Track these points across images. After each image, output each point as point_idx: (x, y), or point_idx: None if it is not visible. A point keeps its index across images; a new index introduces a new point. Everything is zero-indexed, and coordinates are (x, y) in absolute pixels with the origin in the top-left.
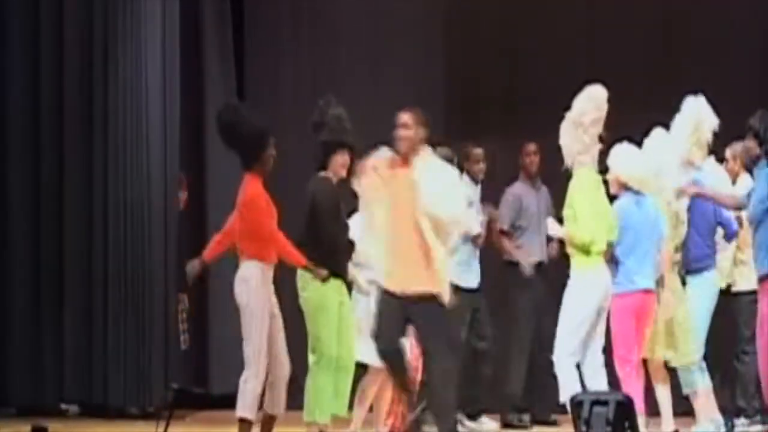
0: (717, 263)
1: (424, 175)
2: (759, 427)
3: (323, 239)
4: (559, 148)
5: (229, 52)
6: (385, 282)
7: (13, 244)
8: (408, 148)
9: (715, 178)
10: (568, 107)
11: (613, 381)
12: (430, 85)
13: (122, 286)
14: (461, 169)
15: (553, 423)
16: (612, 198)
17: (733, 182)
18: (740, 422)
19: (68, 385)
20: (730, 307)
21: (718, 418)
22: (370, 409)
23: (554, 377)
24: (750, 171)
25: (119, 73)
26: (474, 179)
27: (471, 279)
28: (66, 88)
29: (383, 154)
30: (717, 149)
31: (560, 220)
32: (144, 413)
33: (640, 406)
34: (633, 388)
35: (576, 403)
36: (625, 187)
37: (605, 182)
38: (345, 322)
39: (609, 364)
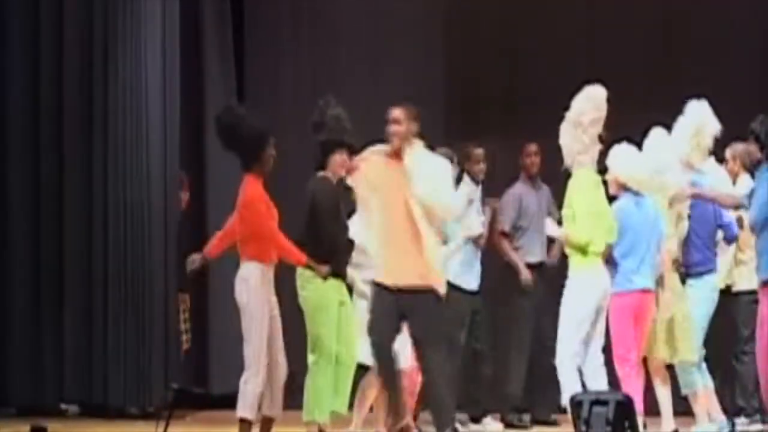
0: (717, 266)
1: (416, 165)
2: (759, 426)
3: (323, 239)
4: (559, 148)
5: (229, 52)
6: (379, 275)
7: (13, 244)
8: (400, 142)
9: (715, 178)
10: (568, 107)
11: (613, 381)
12: (430, 85)
13: (122, 286)
14: (462, 169)
15: (553, 423)
16: (611, 198)
17: (733, 182)
18: (740, 421)
19: (68, 385)
20: (730, 307)
21: (721, 418)
22: (371, 409)
23: (554, 377)
24: (751, 173)
25: (119, 73)
26: (474, 180)
27: (472, 280)
28: (66, 88)
29: (376, 149)
30: (717, 150)
31: (560, 221)
32: (144, 413)
33: (639, 405)
34: (632, 387)
35: (576, 402)
36: (625, 188)
37: (605, 182)
38: (345, 322)
39: (609, 364)
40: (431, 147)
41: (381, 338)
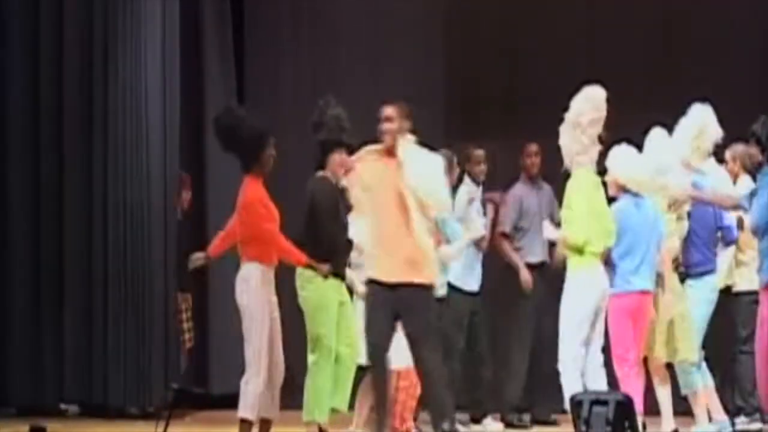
0: (717, 267)
1: (409, 160)
2: (759, 424)
3: (323, 239)
4: (559, 149)
5: (229, 52)
6: (373, 272)
7: (13, 244)
8: (393, 140)
9: (715, 178)
10: (567, 108)
11: (613, 381)
12: (430, 85)
13: (122, 286)
14: (462, 170)
15: (553, 423)
16: (611, 200)
17: (734, 183)
18: (740, 420)
19: (68, 385)
20: (730, 308)
21: (722, 418)
22: (371, 410)
23: (554, 378)
24: (752, 174)
25: (119, 73)
26: (475, 180)
27: (472, 282)
28: (66, 88)
29: (371, 148)
30: (717, 150)
31: (560, 223)
32: (144, 413)
33: (638, 406)
34: (631, 387)
35: (576, 402)
36: (624, 189)
37: (605, 184)
38: (345, 322)
39: (608, 364)
40: (432, 147)
41: (377, 339)
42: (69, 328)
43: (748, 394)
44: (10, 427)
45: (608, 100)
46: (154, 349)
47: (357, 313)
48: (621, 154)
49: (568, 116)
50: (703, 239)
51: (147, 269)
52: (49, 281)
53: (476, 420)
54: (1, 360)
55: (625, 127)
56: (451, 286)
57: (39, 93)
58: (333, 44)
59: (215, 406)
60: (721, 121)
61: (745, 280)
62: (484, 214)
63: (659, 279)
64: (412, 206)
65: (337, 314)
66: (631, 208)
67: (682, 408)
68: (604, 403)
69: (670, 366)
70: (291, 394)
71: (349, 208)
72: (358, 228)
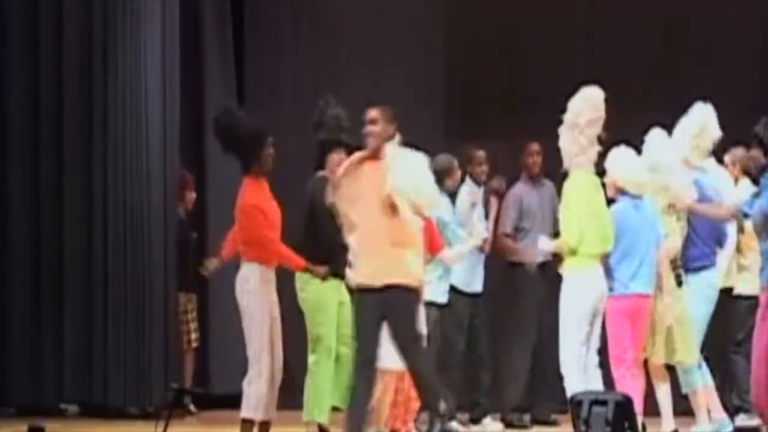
0: (717, 264)
1: (394, 162)
2: (758, 421)
3: (322, 238)
4: (559, 149)
5: (229, 52)
6: (359, 277)
7: (13, 244)
8: (377, 143)
9: (716, 176)
10: (567, 108)
11: (607, 382)
12: (430, 85)
13: (122, 286)
14: (464, 171)
15: (553, 423)
16: (610, 201)
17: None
18: (740, 418)
19: (68, 385)
20: (729, 308)
21: (721, 416)
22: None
23: (554, 377)
24: (753, 178)
25: (119, 73)
26: (476, 181)
27: (475, 284)
28: (66, 88)
29: (354, 156)
30: (717, 150)
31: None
32: (144, 413)
33: (637, 406)
34: (627, 387)
35: (575, 402)
36: (623, 191)
37: (604, 185)
38: (345, 322)
39: (605, 365)
40: (422, 149)
41: (366, 350)
42: (69, 328)
43: (745, 392)
44: (9, 427)
45: (607, 101)
46: (154, 349)
47: None
48: (620, 156)
49: (567, 117)
50: (702, 236)
51: (147, 269)
52: (49, 281)
53: (475, 420)
54: (1, 360)
55: (624, 127)
56: (453, 289)
57: (39, 93)
58: (333, 44)
59: (216, 406)
60: (721, 122)
61: (747, 285)
62: (486, 216)
63: (658, 280)
64: (403, 209)
65: (337, 314)
66: (630, 210)
67: (682, 408)
68: (604, 403)
69: (670, 366)
70: (291, 394)
71: None
72: None
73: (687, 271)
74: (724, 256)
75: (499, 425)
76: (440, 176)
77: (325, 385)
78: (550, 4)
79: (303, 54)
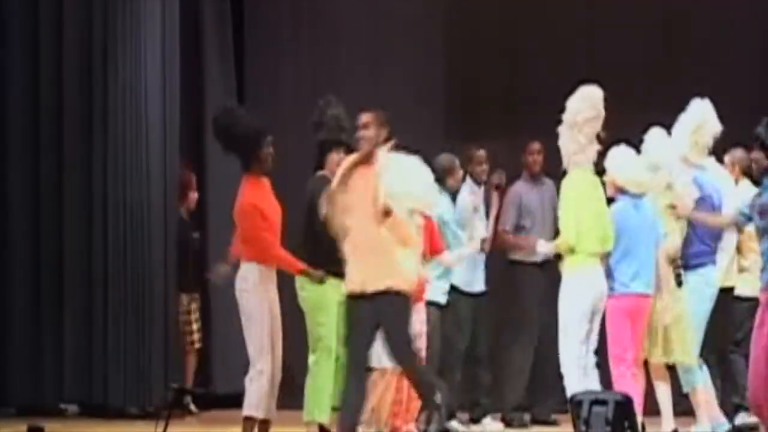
0: (717, 262)
1: (387, 171)
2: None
3: (322, 238)
4: (558, 149)
5: (229, 52)
6: (350, 283)
7: (13, 244)
8: (369, 148)
9: (716, 175)
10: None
11: (606, 381)
12: (430, 85)
13: (122, 286)
14: (464, 171)
15: (553, 423)
16: (610, 200)
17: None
18: (740, 417)
19: (68, 385)
20: (730, 308)
21: (717, 416)
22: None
23: (555, 377)
24: (753, 179)
25: (119, 73)
26: (477, 181)
27: (476, 284)
28: (66, 88)
29: (347, 162)
30: (717, 151)
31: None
32: (144, 413)
33: (636, 406)
34: (627, 387)
35: (575, 402)
36: (622, 191)
37: (604, 184)
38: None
39: (604, 365)
40: (415, 151)
41: (357, 355)
42: (69, 328)
43: (745, 391)
44: (9, 427)
45: (607, 101)
46: (154, 349)
47: None
48: (619, 155)
49: (565, 116)
50: (701, 234)
51: (147, 269)
52: (49, 281)
53: (475, 420)
54: (1, 360)
55: (624, 127)
56: (454, 289)
57: (39, 93)
58: (333, 44)
59: (218, 405)
60: (721, 122)
61: (747, 286)
62: (487, 215)
63: (657, 280)
64: (398, 214)
65: (337, 314)
66: (630, 210)
67: (682, 408)
68: (604, 403)
69: (670, 366)
70: (291, 394)
71: None
72: None
73: (686, 268)
74: (724, 254)
75: (500, 425)
76: (442, 175)
77: (326, 385)
78: (550, 4)
79: (303, 54)
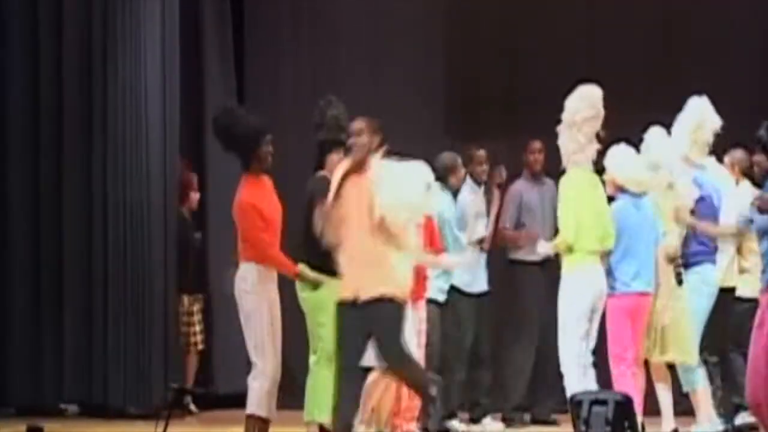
0: (717, 262)
1: (380, 178)
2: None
3: (321, 239)
4: (558, 148)
5: (229, 52)
6: (343, 291)
7: (13, 244)
8: (362, 155)
9: (716, 175)
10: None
11: (606, 381)
12: (430, 85)
13: (122, 286)
14: (465, 171)
15: (553, 423)
16: (610, 200)
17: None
18: (740, 416)
19: (68, 385)
20: (731, 308)
21: (713, 416)
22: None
23: (555, 377)
24: (756, 182)
25: (119, 73)
26: (477, 181)
27: (477, 284)
28: (66, 88)
29: (340, 169)
30: (717, 150)
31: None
32: (144, 413)
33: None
34: (627, 386)
35: (575, 402)
36: (622, 189)
37: (603, 183)
38: None
39: (604, 364)
40: (407, 155)
41: (349, 361)
42: (69, 328)
43: (743, 388)
44: (9, 427)
45: (607, 100)
46: (154, 349)
47: None
48: (619, 154)
49: (564, 116)
50: (699, 234)
51: (147, 269)
52: (49, 281)
53: (475, 420)
54: (1, 360)
55: (624, 126)
56: (455, 289)
57: (39, 93)
58: (333, 44)
59: (218, 406)
60: (722, 122)
61: (748, 287)
62: (487, 213)
63: (655, 278)
64: (396, 224)
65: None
66: (630, 209)
67: (682, 408)
68: (604, 402)
69: (671, 366)
70: (291, 394)
71: None
72: None
73: (685, 267)
74: (724, 255)
75: (500, 425)
76: (444, 174)
77: (326, 385)
78: (550, 4)
79: (303, 54)
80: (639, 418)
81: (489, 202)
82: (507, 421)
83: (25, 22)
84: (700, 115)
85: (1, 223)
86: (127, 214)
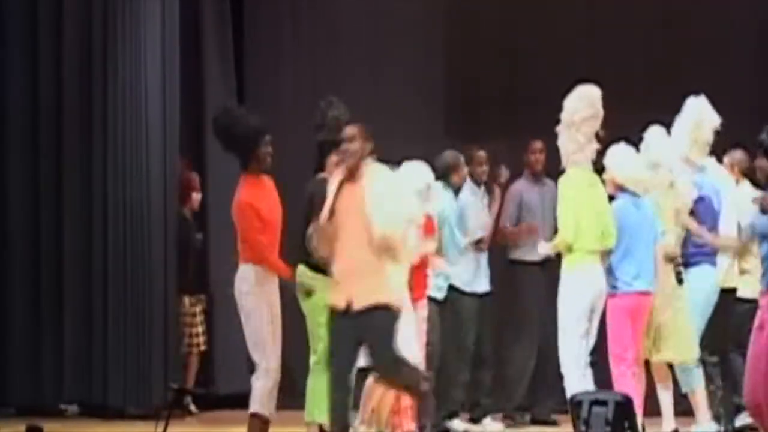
0: (717, 263)
1: (373, 187)
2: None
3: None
4: (558, 148)
5: (229, 52)
6: (335, 299)
7: (13, 244)
8: (355, 161)
9: (716, 176)
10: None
11: (606, 381)
12: (430, 85)
13: (122, 286)
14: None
15: (553, 423)
16: (610, 198)
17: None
18: (740, 417)
19: (68, 385)
20: (730, 309)
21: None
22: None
23: (555, 377)
24: (753, 181)
25: (119, 73)
26: (477, 182)
27: (475, 283)
28: (65, 88)
29: (333, 180)
30: (717, 151)
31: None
32: (144, 413)
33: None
34: (627, 386)
35: (575, 402)
36: (622, 188)
37: (604, 182)
38: None
39: (604, 364)
40: (396, 159)
41: (340, 368)
42: (69, 328)
43: (742, 388)
44: (9, 427)
45: (607, 100)
46: (154, 349)
47: None
48: (619, 153)
49: (563, 116)
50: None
51: (147, 269)
52: (49, 281)
53: (475, 420)
54: (1, 360)
55: (624, 126)
56: (455, 290)
57: (39, 93)
58: (333, 44)
59: (219, 406)
60: (722, 122)
61: (748, 288)
62: (488, 214)
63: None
64: (379, 237)
65: None
66: (630, 207)
67: (683, 408)
68: (604, 403)
69: (672, 366)
70: (291, 394)
71: None
72: None
73: (685, 267)
74: (725, 255)
75: (500, 425)
76: (446, 172)
77: (327, 385)
78: (550, 4)
79: (303, 54)
80: (639, 419)
81: (490, 203)
82: (508, 421)
83: (25, 22)
84: (698, 115)
85: (1, 223)
86: (127, 214)
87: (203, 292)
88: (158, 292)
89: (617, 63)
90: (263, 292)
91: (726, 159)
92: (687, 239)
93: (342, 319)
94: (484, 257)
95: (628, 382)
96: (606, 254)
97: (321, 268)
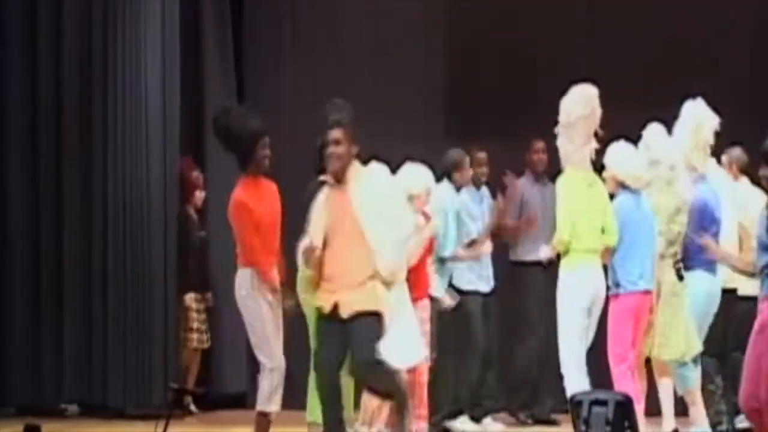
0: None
1: (361, 193)
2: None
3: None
4: (557, 148)
5: (229, 52)
6: (321, 300)
7: (13, 244)
8: (341, 165)
9: (718, 184)
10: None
11: (606, 381)
12: (430, 85)
13: (122, 286)
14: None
15: (553, 423)
16: (611, 197)
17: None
18: (740, 418)
19: (68, 385)
20: (731, 309)
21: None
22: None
23: (555, 376)
24: (753, 180)
25: (119, 73)
26: (476, 183)
27: (482, 284)
28: (65, 88)
29: (324, 189)
30: (716, 151)
31: None
32: (144, 413)
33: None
34: (626, 386)
35: (575, 402)
36: (623, 186)
37: (604, 181)
38: None
39: (604, 364)
40: (390, 160)
41: (327, 371)
42: (69, 328)
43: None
44: (9, 426)
45: (607, 100)
46: (154, 349)
47: None
48: (619, 150)
49: (561, 117)
50: (694, 235)
51: (147, 269)
52: (49, 281)
53: (475, 419)
54: (1, 360)
55: (624, 126)
56: (457, 290)
57: (38, 93)
58: (333, 44)
59: (219, 406)
60: (721, 122)
61: (749, 285)
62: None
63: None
64: (371, 241)
65: None
66: (631, 204)
67: (683, 408)
68: (604, 403)
69: None
70: (291, 394)
71: None
72: None
73: (686, 268)
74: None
75: (500, 425)
76: (450, 170)
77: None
78: (550, 4)
79: (303, 54)
80: (640, 418)
81: (492, 210)
82: (512, 419)
83: (24, 22)
84: (697, 119)
85: (1, 223)
86: (127, 214)
87: (207, 290)
88: (158, 292)
89: (617, 63)
90: (262, 294)
91: (724, 157)
92: (686, 242)
93: (328, 322)
94: (486, 257)
95: (628, 382)
96: (609, 252)
97: None
